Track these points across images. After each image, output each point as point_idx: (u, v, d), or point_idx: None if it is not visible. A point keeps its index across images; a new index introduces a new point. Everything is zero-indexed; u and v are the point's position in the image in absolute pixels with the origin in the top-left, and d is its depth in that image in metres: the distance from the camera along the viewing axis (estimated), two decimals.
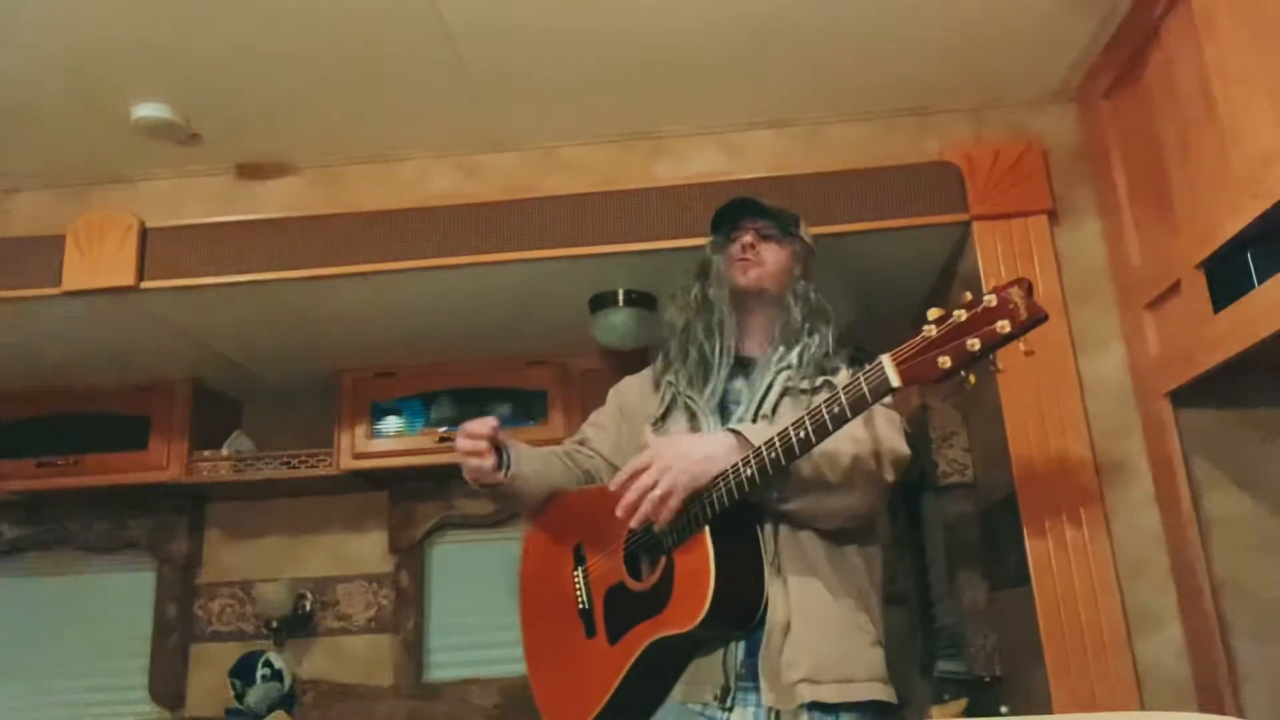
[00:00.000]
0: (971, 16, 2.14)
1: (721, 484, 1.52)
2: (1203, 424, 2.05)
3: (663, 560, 1.60)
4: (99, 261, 2.44)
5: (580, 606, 1.73)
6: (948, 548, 2.63)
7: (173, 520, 3.32)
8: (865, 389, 1.42)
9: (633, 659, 1.60)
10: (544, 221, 2.41)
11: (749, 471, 1.49)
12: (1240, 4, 1.71)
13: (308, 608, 3.26)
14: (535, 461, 1.77)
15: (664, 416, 1.77)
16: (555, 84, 2.35)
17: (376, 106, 2.39)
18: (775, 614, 1.55)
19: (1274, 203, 1.63)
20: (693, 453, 1.55)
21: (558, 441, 2.00)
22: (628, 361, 2.70)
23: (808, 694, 1.52)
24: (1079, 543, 2.13)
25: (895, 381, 1.38)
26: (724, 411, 1.73)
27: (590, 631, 1.70)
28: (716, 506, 1.52)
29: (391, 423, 3.14)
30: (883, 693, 1.58)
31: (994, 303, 1.31)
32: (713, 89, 2.38)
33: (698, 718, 1.60)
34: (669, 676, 1.63)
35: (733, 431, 1.58)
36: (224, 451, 3.15)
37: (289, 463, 3.08)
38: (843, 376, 1.67)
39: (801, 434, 1.46)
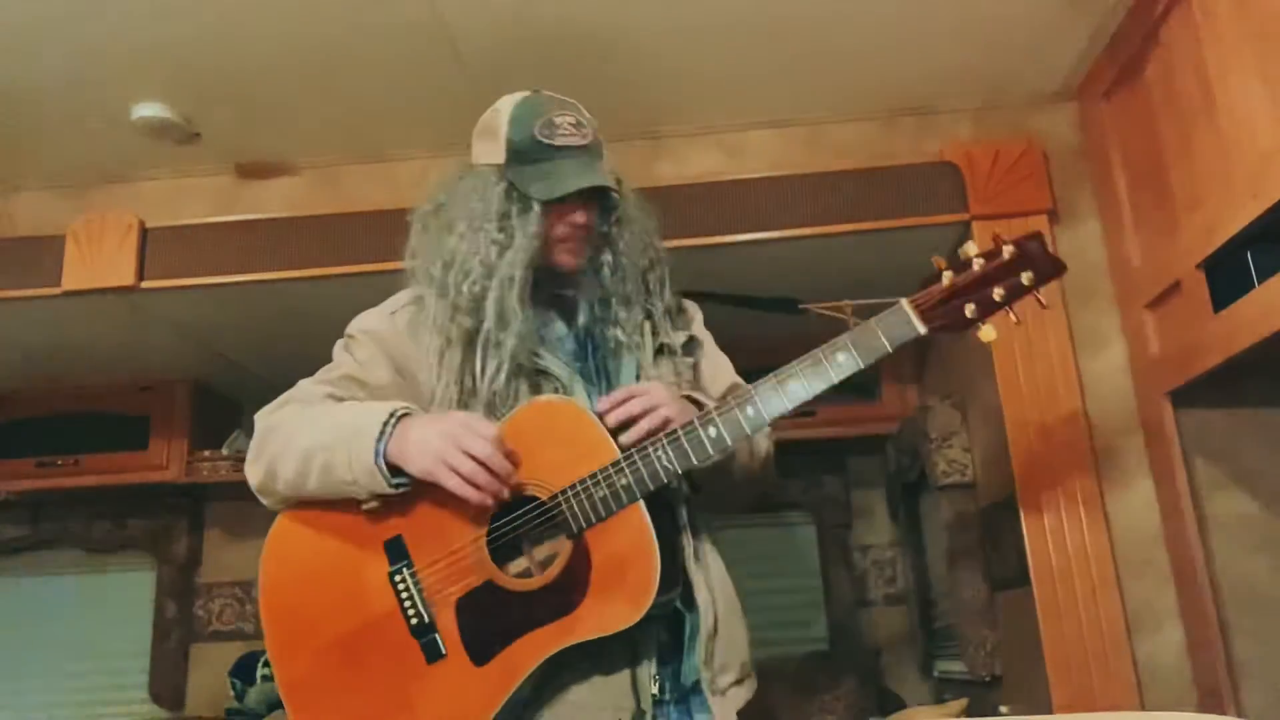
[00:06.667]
0: (972, 16, 2.14)
1: (667, 445, 1.29)
2: (1203, 424, 2.05)
3: (566, 548, 1.30)
4: (99, 261, 2.44)
5: (413, 621, 1.32)
6: (948, 548, 2.63)
7: (173, 520, 3.32)
8: (882, 336, 1.30)
9: (519, 680, 1.28)
10: None
11: (712, 431, 1.28)
12: (1240, 4, 1.71)
13: None
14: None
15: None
16: (555, 84, 2.34)
17: (376, 106, 2.39)
18: (705, 613, 1.36)
19: (1274, 203, 1.63)
20: (673, 395, 1.35)
21: None
22: None
23: (741, 698, 1.38)
24: (1079, 543, 2.13)
25: (921, 328, 1.30)
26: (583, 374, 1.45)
27: (434, 654, 1.31)
28: (663, 475, 1.28)
29: None
30: None
31: (1012, 254, 1.31)
32: (713, 89, 2.38)
33: None
34: (545, 695, 1.32)
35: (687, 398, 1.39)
36: (224, 451, 3.15)
37: None
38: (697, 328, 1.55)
39: (794, 386, 1.29)
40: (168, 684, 3.23)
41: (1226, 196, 1.78)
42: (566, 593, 1.28)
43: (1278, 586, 1.95)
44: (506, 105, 1.49)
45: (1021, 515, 2.17)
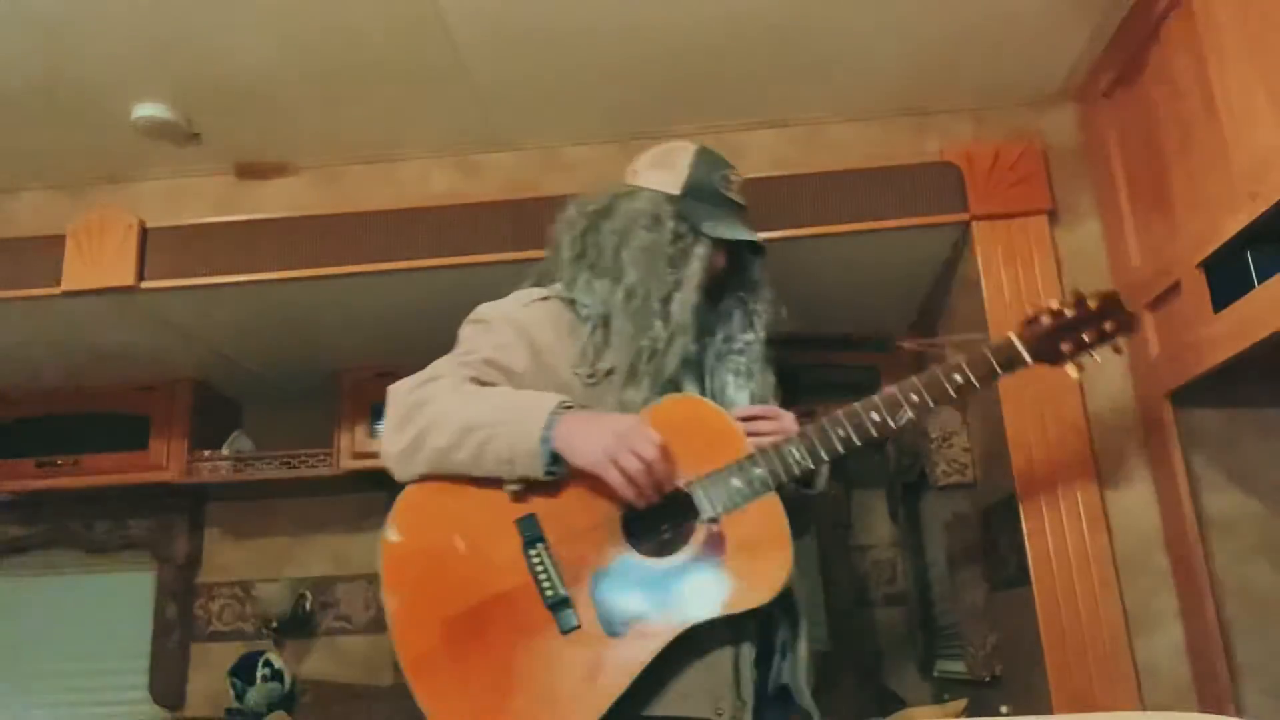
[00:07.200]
0: (971, 16, 2.14)
1: (799, 442, 1.41)
2: (1203, 424, 2.05)
3: (701, 531, 1.38)
4: (99, 261, 2.44)
5: (548, 594, 1.36)
6: (948, 548, 2.63)
7: (173, 520, 3.32)
8: (995, 362, 1.50)
9: (654, 652, 1.33)
10: (544, 221, 2.39)
11: (841, 432, 1.42)
12: (1240, 4, 1.71)
13: (308, 608, 3.26)
14: None
15: (609, 374, 1.49)
16: (555, 84, 2.35)
17: (376, 106, 2.39)
18: (802, 619, 1.47)
19: (1274, 203, 1.63)
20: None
21: None
22: None
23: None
24: (1079, 543, 2.13)
25: (1029, 359, 1.52)
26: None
27: (569, 625, 1.35)
28: (795, 469, 1.41)
29: None
30: None
31: (1097, 305, 1.58)
32: (713, 89, 2.38)
33: None
34: (648, 685, 1.35)
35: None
36: (224, 451, 3.15)
37: (289, 463, 3.08)
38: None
39: (915, 397, 1.45)
40: (168, 684, 3.23)
41: (1226, 196, 1.78)
42: (701, 572, 1.36)
43: (1278, 586, 1.95)
44: (688, 148, 1.68)
45: (1021, 515, 2.17)
